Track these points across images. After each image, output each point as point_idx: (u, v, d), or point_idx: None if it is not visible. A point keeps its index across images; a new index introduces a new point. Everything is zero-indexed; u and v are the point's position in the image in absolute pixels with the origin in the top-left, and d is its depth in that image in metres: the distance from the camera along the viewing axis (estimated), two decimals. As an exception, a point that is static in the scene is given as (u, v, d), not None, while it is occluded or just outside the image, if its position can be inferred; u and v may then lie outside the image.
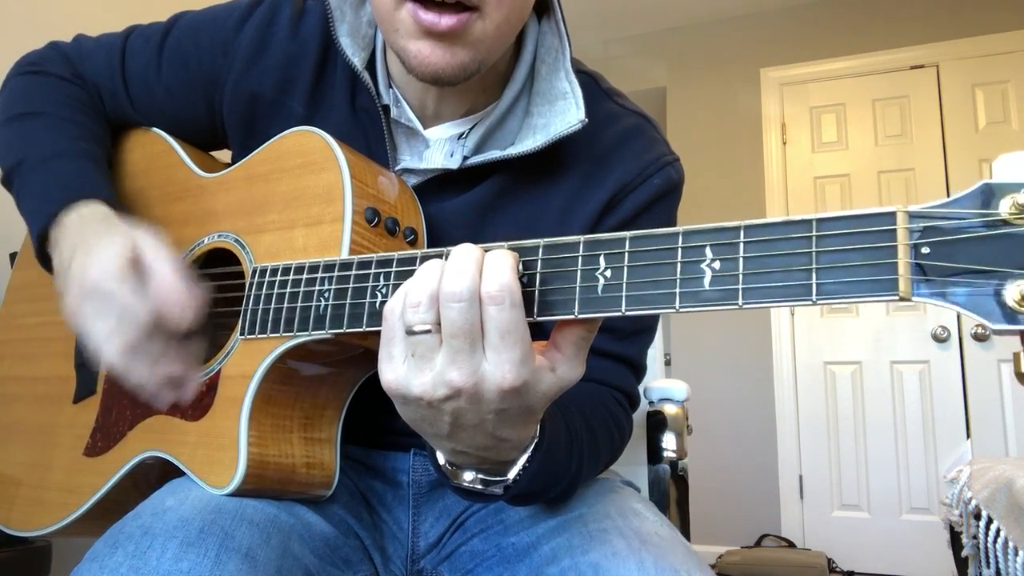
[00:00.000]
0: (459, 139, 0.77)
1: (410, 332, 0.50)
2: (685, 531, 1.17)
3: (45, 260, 0.76)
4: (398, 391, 0.51)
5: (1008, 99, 3.53)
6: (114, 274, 0.65)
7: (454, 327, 0.48)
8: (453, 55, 0.66)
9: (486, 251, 0.50)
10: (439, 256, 0.53)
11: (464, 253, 0.49)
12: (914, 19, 3.74)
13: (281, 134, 0.74)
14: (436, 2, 0.63)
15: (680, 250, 0.46)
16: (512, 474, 0.58)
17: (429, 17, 0.63)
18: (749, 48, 4.03)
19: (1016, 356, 0.39)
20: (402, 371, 0.51)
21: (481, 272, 0.49)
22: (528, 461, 0.58)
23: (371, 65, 0.79)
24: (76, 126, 0.83)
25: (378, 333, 0.53)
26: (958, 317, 3.42)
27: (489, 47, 0.68)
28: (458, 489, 0.61)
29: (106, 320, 0.65)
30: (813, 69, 3.89)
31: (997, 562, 1.29)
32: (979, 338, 3.40)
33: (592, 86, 0.81)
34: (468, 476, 0.60)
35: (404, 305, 0.50)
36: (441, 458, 0.60)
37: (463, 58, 0.66)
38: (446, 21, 0.63)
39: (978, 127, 3.56)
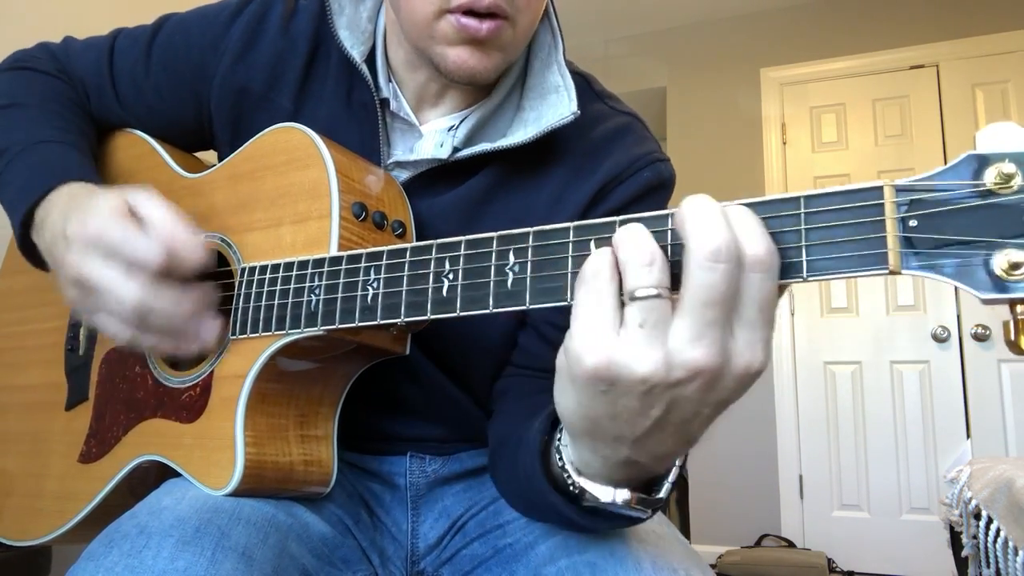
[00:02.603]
0: (450, 131, 0.78)
1: (632, 297, 0.41)
2: (685, 531, 1.17)
3: (28, 248, 0.73)
4: (608, 372, 0.42)
5: (1008, 99, 3.52)
6: (114, 220, 0.62)
7: (714, 293, 0.39)
8: (489, 58, 0.70)
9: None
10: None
11: (706, 203, 0.41)
12: (914, 19, 3.74)
13: (264, 131, 0.74)
14: (477, 13, 0.67)
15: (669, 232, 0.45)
16: (664, 491, 0.50)
17: (472, 23, 0.67)
18: (749, 48, 4.02)
19: (1005, 325, 0.39)
20: (620, 346, 0.41)
21: (733, 231, 0.41)
22: (673, 476, 0.50)
23: (369, 60, 0.79)
24: (60, 118, 0.82)
25: (371, 328, 0.51)
26: (958, 317, 3.42)
27: (516, 49, 0.74)
28: (585, 510, 0.52)
29: (117, 264, 0.61)
30: (813, 69, 3.88)
31: (997, 562, 1.29)
32: (979, 338, 3.39)
33: (584, 87, 0.81)
34: (615, 495, 0.49)
35: (627, 263, 0.42)
36: (574, 474, 0.51)
37: (497, 60, 0.71)
38: (487, 27, 0.68)
39: (978, 127, 3.53)
